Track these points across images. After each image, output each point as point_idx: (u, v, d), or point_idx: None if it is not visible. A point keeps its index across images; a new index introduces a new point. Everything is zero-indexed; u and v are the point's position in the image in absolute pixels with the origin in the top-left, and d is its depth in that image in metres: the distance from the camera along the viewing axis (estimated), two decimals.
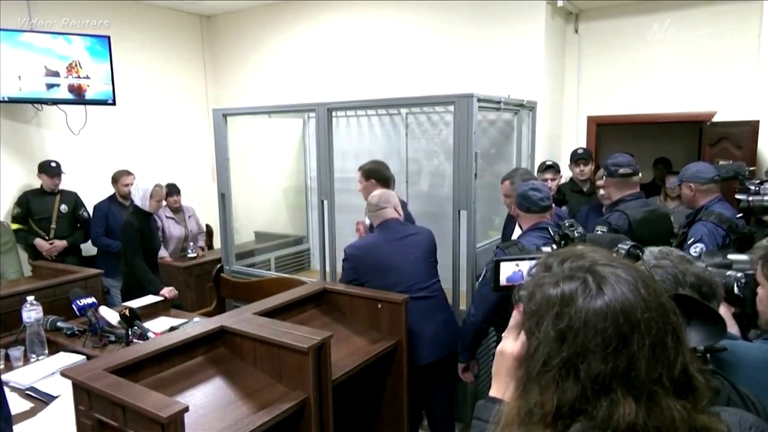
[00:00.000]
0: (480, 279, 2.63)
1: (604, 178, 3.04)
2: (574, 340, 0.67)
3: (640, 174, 2.95)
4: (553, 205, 2.66)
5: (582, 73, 4.52)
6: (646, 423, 0.64)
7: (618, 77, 4.37)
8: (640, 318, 0.67)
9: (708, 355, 1.04)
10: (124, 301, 3.47)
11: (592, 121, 4.55)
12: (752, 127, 3.73)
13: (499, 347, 0.82)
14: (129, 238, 3.53)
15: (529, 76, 4.16)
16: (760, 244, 1.34)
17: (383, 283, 2.63)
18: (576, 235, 1.79)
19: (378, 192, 2.85)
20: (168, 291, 3.46)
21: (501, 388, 0.83)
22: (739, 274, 1.45)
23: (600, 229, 2.58)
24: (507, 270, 1.71)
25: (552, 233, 1.93)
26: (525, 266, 1.77)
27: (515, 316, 0.80)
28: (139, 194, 3.58)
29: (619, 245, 1.30)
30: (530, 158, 3.90)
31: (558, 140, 4.59)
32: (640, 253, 1.26)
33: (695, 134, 4.96)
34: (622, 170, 2.84)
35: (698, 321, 0.99)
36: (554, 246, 1.82)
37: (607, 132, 4.86)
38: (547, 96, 4.22)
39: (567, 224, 1.85)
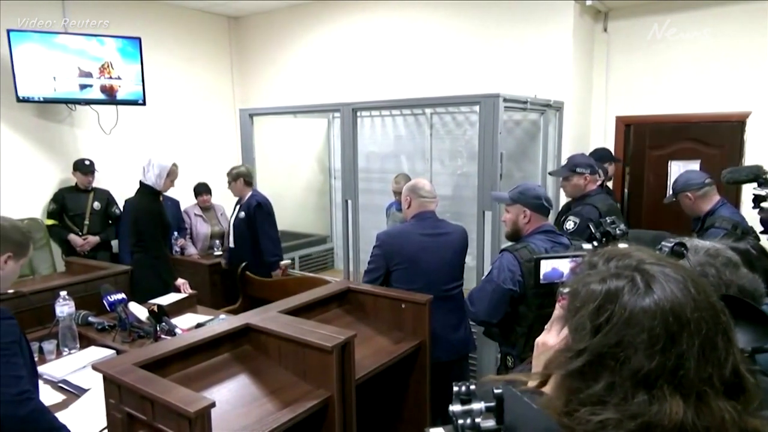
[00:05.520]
0: (485, 276, 2.53)
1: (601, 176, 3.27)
2: (608, 334, 0.67)
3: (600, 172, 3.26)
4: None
5: (611, 73, 4.43)
6: (695, 423, 0.63)
7: (648, 77, 4.27)
8: (690, 317, 0.66)
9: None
10: (132, 286, 3.34)
11: (620, 121, 4.46)
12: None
13: (540, 339, 0.82)
14: (153, 224, 3.33)
15: (557, 76, 4.10)
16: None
17: (408, 274, 2.66)
18: (618, 232, 1.77)
19: (428, 183, 2.87)
20: (183, 283, 3.35)
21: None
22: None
23: (573, 220, 2.89)
24: (546, 267, 1.71)
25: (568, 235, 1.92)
26: (564, 264, 1.77)
27: (558, 309, 0.80)
28: (155, 171, 3.30)
29: (663, 243, 1.27)
30: (556, 159, 3.85)
31: (585, 141, 4.52)
32: (685, 251, 1.23)
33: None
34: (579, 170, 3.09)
35: (744, 322, 0.97)
36: (595, 243, 1.79)
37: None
38: (574, 96, 4.16)
39: (608, 221, 1.82)
